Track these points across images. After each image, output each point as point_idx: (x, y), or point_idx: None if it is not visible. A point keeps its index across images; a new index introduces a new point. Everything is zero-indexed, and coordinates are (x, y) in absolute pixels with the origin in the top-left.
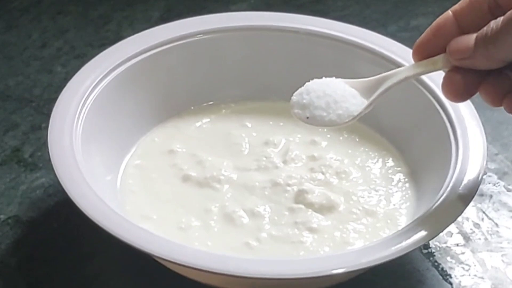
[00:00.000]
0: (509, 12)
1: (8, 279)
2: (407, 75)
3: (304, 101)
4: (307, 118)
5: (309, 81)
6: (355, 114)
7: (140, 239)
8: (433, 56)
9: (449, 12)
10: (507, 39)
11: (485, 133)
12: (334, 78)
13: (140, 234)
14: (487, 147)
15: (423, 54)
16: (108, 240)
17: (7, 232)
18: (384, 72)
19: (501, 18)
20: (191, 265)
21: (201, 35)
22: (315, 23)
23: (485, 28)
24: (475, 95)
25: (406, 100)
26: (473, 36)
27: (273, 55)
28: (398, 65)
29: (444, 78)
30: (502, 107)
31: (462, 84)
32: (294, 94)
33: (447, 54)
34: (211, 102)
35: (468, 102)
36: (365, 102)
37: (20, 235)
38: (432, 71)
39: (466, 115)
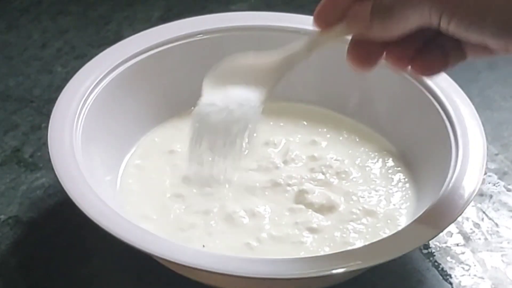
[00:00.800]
0: None
1: (8, 279)
2: (310, 48)
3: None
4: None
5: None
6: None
7: (140, 239)
8: (334, 24)
9: None
10: (401, 12)
11: (485, 133)
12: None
13: (140, 234)
14: (487, 147)
15: (324, 22)
16: (108, 240)
17: (7, 232)
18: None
19: None
20: (191, 265)
21: (201, 35)
22: None
23: (378, 2)
24: (473, 93)
25: (406, 100)
26: (369, 6)
27: None
28: None
29: (348, 47)
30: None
31: (366, 52)
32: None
33: (346, 25)
34: None
35: (468, 102)
36: (265, 89)
37: (20, 235)
38: (335, 40)
39: (466, 115)
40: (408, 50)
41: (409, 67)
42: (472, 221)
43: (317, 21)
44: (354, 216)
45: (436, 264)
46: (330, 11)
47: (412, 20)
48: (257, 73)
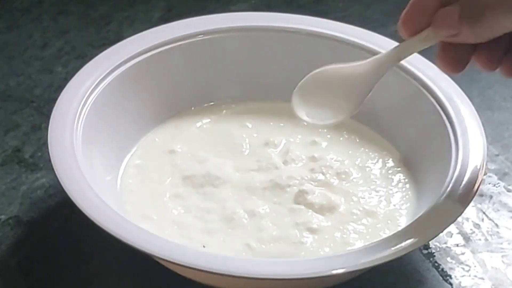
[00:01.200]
0: None
1: (8, 279)
2: (400, 55)
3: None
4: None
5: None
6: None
7: (140, 239)
8: (421, 30)
9: None
10: (492, 18)
11: (486, 134)
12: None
13: (140, 234)
14: (488, 148)
15: (410, 28)
16: (108, 240)
17: (8, 233)
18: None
19: None
20: (191, 265)
21: (202, 35)
22: (315, 24)
23: (467, 7)
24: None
25: (406, 100)
26: (456, 11)
27: (273, 55)
28: (399, 66)
29: (438, 51)
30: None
31: (455, 55)
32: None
33: (433, 30)
34: (212, 103)
35: (468, 102)
36: (356, 100)
37: (21, 235)
38: (423, 47)
39: (466, 115)
40: (497, 52)
41: (498, 68)
42: (472, 221)
43: (404, 28)
44: (354, 217)
45: (436, 264)
46: (416, 16)
47: (503, 26)
48: (347, 84)
